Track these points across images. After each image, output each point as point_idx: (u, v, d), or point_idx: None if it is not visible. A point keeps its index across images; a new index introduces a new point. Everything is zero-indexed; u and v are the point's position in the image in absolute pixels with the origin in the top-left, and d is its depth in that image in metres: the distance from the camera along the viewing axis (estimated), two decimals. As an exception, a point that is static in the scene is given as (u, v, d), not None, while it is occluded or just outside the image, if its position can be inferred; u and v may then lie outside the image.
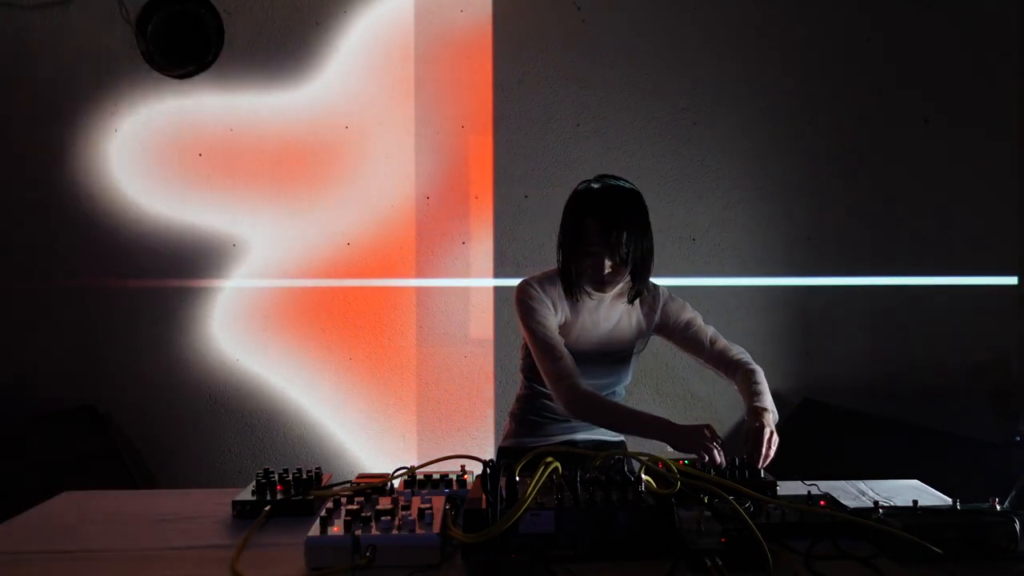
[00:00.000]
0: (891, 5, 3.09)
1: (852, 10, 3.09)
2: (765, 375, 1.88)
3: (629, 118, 3.07)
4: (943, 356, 3.14)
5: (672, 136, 3.09)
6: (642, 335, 1.98)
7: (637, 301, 1.96)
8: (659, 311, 1.98)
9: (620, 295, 1.92)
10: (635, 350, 1.99)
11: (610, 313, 1.93)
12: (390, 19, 3.03)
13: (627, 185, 1.85)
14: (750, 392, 1.82)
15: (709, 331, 1.98)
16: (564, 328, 1.89)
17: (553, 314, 1.87)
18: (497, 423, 3.07)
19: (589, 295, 1.89)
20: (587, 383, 1.81)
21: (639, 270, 1.83)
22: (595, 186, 1.84)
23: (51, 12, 2.96)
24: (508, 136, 3.06)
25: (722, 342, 1.97)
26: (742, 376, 1.89)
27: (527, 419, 2.00)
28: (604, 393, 1.94)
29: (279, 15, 3.01)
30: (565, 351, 1.82)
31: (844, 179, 3.12)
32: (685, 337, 1.98)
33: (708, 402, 3.13)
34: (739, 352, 1.95)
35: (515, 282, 1.91)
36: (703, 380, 3.10)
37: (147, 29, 2.94)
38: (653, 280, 1.99)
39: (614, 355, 1.95)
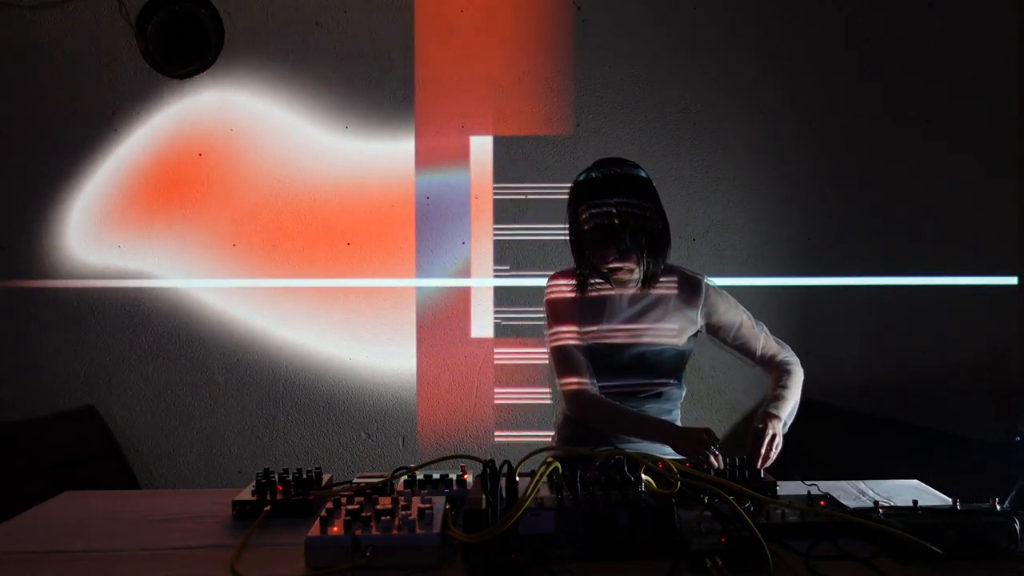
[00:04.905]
0: (891, 5, 3.09)
1: (852, 10, 3.08)
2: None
3: (629, 118, 3.07)
4: (943, 356, 3.14)
5: (672, 136, 3.09)
6: (683, 328, 1.86)
7: (674, 294, 1.86)
8: (702, 305, 1.87)
9: (645, 287, 1.84)
10: (682, 348, 1.87)
11: (635, 305, 1.85)
12: (390, 19, 3.03)
13: (624, 169, 1.79)
14: (771, 396, 1.83)
15: (761, 334, 1.92)
16: (586, 323, 1.83)
17: (575, 312, 1.83)
18: (497, 423, 3.07)
19: (611, 287, 1.85)
20: (596, 385, 1.80)
21: (649, 253, 1.77)
22: (591, 175, 1.80)
23: (51, 12, 2.96)
24: (508, 136, 3.06)
25: (772, 346, 1.93)
26: (774, 376, 1.90)
27: (575, 430, 1.91)
28: (641, 397, 1.85)
29: (279, 15, 3.01)
30: (576, 354, 1.80)
31: (844, 179, 3.12)
32: (736, 339, 1.91)
33: (708, 401, 3.13)
34: (784, 355, 1.93)
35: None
36: (703, 380, 3.09)
37: (147, 29, 2.94)
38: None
39: (645, 350, 1.84)
